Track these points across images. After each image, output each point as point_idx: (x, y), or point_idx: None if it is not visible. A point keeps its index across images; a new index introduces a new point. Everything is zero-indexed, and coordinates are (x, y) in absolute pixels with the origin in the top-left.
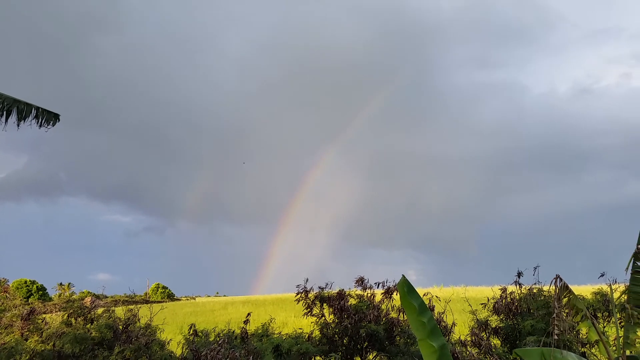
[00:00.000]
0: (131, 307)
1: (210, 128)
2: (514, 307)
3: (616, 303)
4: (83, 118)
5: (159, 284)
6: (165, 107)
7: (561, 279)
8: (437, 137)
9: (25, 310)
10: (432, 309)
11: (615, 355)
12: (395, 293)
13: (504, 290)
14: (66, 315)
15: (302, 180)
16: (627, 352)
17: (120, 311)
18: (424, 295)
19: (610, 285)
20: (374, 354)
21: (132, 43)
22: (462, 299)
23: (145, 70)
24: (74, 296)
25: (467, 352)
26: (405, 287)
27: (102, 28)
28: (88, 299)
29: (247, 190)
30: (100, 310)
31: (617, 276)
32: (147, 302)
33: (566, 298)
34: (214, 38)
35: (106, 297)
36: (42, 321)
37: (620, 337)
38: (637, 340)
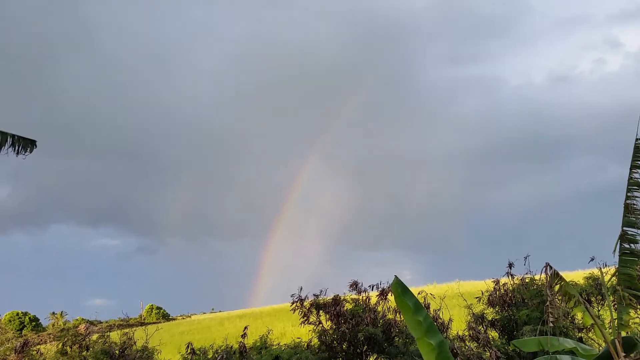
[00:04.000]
0: (126, 330)
1: (192, 142)
2: (508, 298)
3: (608, 286)
4: (60, 143)
5: (152, 305)
6: (143, 124)
7: (551, 267)
8: (419, 136)
9: (19, 343)
10: (427, 307)
11: (611, 338)
12: (390, 294)
13: (496, 282)
14: (61, 344)
15: (289, 187)
16: (623, 334)
17: (115, 336)
18: (418, 294)
19: (600, 268)
20: (374, 357)
21: (104, 62)
22: (456, 294)
23: (120, 88)
24: (67, 324)
25: (466, 347)
26: (399, 288)
27: (72, 47)
28: (82, 326)
29: (235, 203)
30: (95, 337)
31: (607, 260)
32: (142, 324)
33: (558, 285)
34: (186, 51)
35: (100, 322)
36: (37, 352)
37: (615, 319)
38: (630, 321)
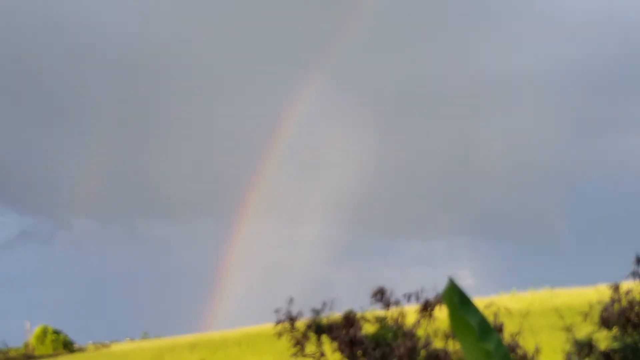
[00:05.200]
0: None
1: (116, 68)
2: (633, 315)
3: None
4: None
5: (46, 327)
6: (40, 38)
7: None
8: (487, 49)
9: None
10: (500, 328)
11: None
12: (439, 308)
13: (615, 288)
14: None
15: (271, 138)
16: None
17: None
18: (486, 307)
19: None
20: None
21: None
22: (548, 308)
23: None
24: None
25: None
26: (456, 298)
27: None
28: None
29: (185, 162)
30: None
31: None
32: (30, 358)
33: None
34: None
35: None
36: None
37: None
38: None
